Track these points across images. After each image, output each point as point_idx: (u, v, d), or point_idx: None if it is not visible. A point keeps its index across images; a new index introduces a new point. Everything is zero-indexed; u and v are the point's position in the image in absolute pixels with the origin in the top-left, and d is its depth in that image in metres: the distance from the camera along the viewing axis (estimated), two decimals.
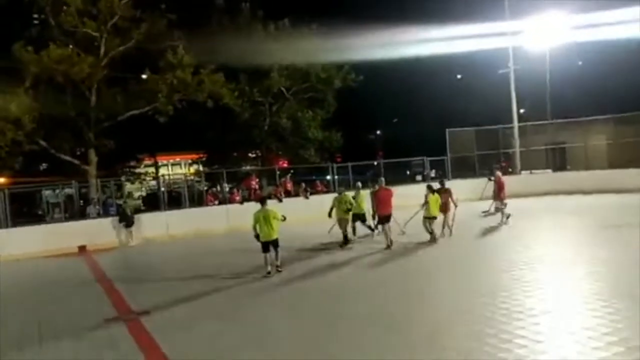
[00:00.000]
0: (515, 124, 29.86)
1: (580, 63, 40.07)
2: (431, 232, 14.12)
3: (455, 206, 15.29)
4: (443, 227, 14.87)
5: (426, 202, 14.19)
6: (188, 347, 6.88)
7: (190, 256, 15.52)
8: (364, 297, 8.98)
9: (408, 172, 33.48)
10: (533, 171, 29.05)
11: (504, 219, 16.64)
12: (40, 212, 24.16)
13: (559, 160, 30.44)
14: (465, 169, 28.69)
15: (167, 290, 10.83)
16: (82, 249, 18.76)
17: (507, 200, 17.26)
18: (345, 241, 14.74)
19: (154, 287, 11.30)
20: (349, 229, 15.30)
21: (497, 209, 17.39)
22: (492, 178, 18.36)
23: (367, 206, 16.09)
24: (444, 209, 14.83)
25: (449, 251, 13.06)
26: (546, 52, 33.87)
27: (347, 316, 7.84)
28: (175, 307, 9.33)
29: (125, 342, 7.34)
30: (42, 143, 23.58)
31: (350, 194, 15.84)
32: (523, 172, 29.39)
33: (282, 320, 8.03)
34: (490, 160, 30.66)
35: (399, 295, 8.99)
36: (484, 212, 19.09)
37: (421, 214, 14.45)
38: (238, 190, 25.34)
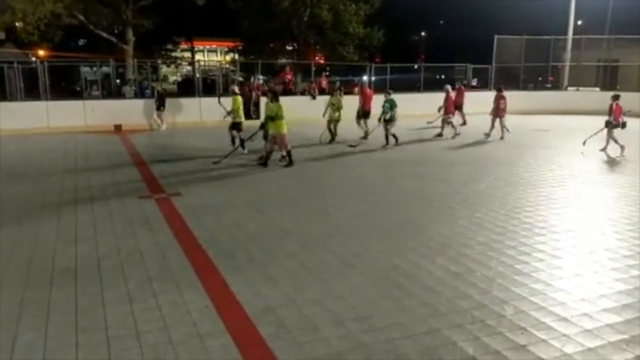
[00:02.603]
0: (570, 35, 28.25)
1: None
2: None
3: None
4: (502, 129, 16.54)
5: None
6: (215, 229, 7.07)
7: (220, 143, 15.65)
8: (386, 201, 9.00)
9: (443, 76, 32.40)
10: (580, 88, 27.88)
11: (441, 132, 17.23)
12: (78, 89, 24.42)
13: (609, 79, 29.05)
14: (509, 80, 27.70)
15: (199, 174, 11.09)
16: (117, 127, 19.11)
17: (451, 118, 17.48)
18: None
19: (186, 170, 11.51)
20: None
21: (444, 122, 17.44)
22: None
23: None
24: (499, 113, 16.55)
25: (477, 161, 12.89)
26: None
27: (366, 214, 7.92)
28: (205, 190, 9.57)
29: (157, 219, 7.57)
30: (81, 17, 23.34)
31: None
32: (570, 88, 28.26)
33: (314, 217, 8.15)
34: (537, 73, 29.48)
35: (418, 201, 8.99)
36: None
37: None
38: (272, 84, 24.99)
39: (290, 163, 11.93)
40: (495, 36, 26.94)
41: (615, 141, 13.35)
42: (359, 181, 10.62)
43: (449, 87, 18.18)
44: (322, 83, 24.30)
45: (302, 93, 23.81)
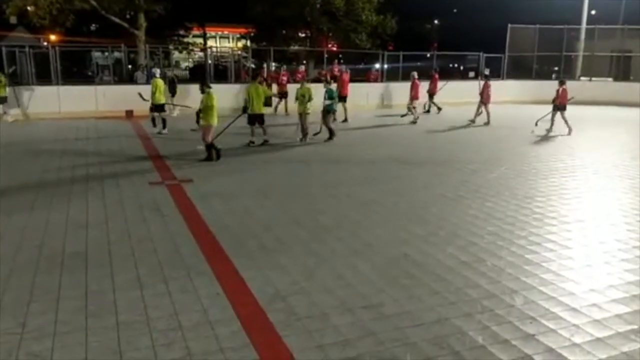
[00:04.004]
0: (583, 25, 27.89)
1: None
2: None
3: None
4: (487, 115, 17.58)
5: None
6: (226, 217, 7.10)
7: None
8: (395, 190, 8.98)
9: (456, 65, 32.15)
10: (593, 79, 27.58)
11: (413, 117, 18.15)
12: (89, 73, 24.53)
13: (622, 70, 28.69)
14: (521, 70, 27.45)
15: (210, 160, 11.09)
16: (129, 113, 19.14)
17: (416, 103, 18.55)
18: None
19: (197, 156, 11.42)
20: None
21: (409, 108, 18.59)
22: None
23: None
24: (486, 99, 17.75)
25: (487, 150, 12.81)
26: None
27: (376, 203, 7.91)
28: (216, 177, 9.59)
29: (168, 205, 7.61)
30: (93, 2, 23.39)
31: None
32: (582, 78, 27.96)
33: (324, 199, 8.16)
34: (550, 63, 29.17)
35: (428, 189, 8.96)
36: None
37: None
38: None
39: (208, 157, 10.93)
40: (509, 25, 26.69)
41: (566, 122, 15.39)
42: (367, 170, 10.58)
43: (415, 74, 19.05)
44: (335, 70, 24.15)
45: (314, 81, 23.75)
